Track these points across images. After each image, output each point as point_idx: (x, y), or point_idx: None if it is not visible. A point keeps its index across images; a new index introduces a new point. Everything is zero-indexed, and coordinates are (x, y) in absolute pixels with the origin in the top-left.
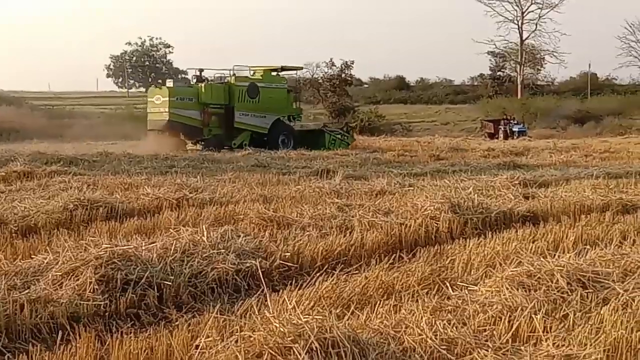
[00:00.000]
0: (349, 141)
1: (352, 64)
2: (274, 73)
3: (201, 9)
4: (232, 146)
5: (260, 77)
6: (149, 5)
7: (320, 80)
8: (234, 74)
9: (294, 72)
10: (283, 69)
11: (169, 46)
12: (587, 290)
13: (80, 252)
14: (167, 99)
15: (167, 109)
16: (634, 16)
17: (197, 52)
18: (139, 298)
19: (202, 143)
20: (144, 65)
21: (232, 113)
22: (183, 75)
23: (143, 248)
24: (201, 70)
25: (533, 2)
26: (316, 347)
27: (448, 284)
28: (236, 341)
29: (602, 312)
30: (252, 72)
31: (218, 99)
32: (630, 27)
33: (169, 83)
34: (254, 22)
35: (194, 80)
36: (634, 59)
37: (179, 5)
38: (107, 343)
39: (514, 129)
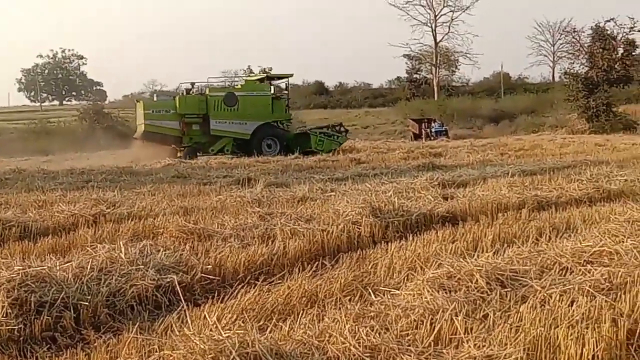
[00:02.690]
0: (340, 141)
1: (271, 70)
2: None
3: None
4: (210, 152)
5: (240, 87)
6: (60, 16)
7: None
8: (208, 86)
9: (285, 79)
10: (268, 78)
11: (82, 57)
12: (506, 289)
13: None
14: (142, 111)
15: (142, 121)
16: (543, 16)
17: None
18: (54, 320)
19: (182, 150)
20: (56, 78)
21: (208, 122)
22: (98, 87)
23: (58, 268)
24: (192, 84)
25: (445, 5)
26: None
27: (370, 290)
28: None
29: (521, 310)
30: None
31: (194, 109)
32: (540, 26)
33: (154, 97)
34: (172, 32)
35: (184, 93)
36: (544, 58)
37: (90, 15)
38: None
39: (433, 130)
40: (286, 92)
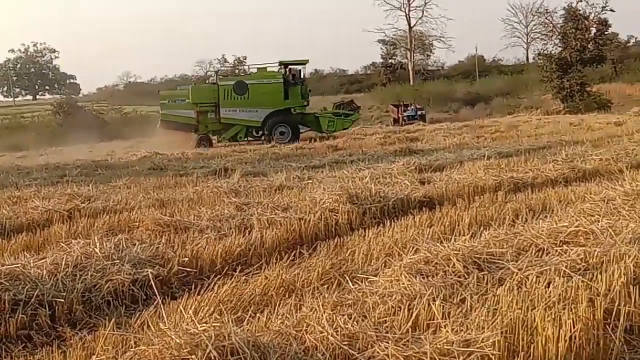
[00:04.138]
0: (353, 118)
1: (245, 59)
2: (276, 68)
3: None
4: (222, 140)
5: (251, 75)
6: (30, 9)
7: (211, 77)
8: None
9: (302, 65)
10: (282, 64)
11: (54, 51)
12: (483, 272)
13: None
14: (160, 102)
15: (160, 111)
16: None
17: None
18: (29, 318)
19: (198, 137)
20: (29, 72)
21: (219, 110)
22: (71, 81)
23: (32, 265)
24: (217, 72)
25: None
26: (214, 357)
27: (348, 278)
28: (131, 357)
29: (498, 293)
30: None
31: (206, 98)
32: (513, 8)
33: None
34: (145, 23)
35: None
36: (518, 40)
37: (60, 6)
38: None
39: (405, 114)
40: (302, 79)
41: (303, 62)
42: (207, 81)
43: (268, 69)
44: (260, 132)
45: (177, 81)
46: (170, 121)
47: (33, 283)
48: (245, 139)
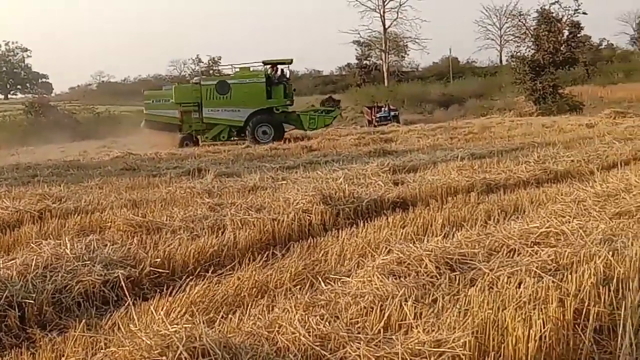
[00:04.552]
0: (333, 115)
1: (220, 59)
2: (265, 67)
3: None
4: (205, 139)
5: (234, 75)
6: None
7: (188, 77)
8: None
9: (285, 65)
10: (264, 63)
11: (26, 50)
12: (455, 273)
13: None
14: (144, 101)
15: (144, 110)
16: (490, 0)
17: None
18: None
19: (182, 137)
20: (0, 71)
21: (201, 110)
22: (43, 80)
23: (1, 266)
24: (203, 72)
25: None
26: (185, 358)
27: (321, 278)
28: (101, 359)
29: (469, 293)
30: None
31: (188, 98)
32: (487, 11)
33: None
34: (120, 23)
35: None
36: (492, 42)
37: (33, 6)
38: None
39: (378, 116)
40: (287, 78)
41: (287, 62)
42: (191, 81)
43: (251, 69)
44: (243, 133)
45: (150, 81)
46: (154, 121)
47: (2, 284)
48: (229, 138)
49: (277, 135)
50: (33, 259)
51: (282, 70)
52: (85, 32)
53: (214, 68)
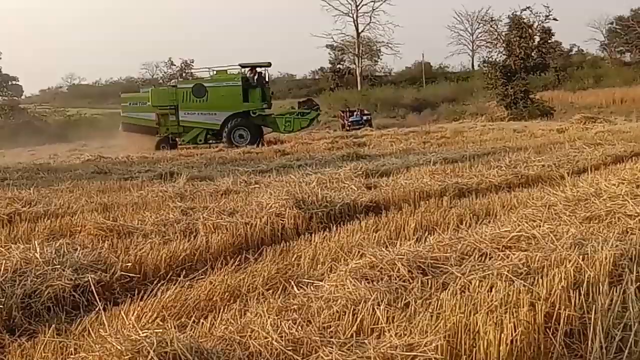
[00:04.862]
0: (310, 117)
1: (192, 62)
2: (243, 70)
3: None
4: (181, 142)
5: (210, 78)
6: None
7: (161, 80)
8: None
9: (263, 68)
10: (242, 67)
11: None
12: (427, 277)
13: None
14: (121, 104)
15: (121, 113)
16: (462, 6)
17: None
18: None
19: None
20: None
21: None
22: (13, 82)
23: None
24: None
25: None
26: None
27: (294, 283)
28: None
29: (441, 297)
30: (213, 73)
31: (165, 101)
32: (459, 16)
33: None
34: (90, 24)
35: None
36: (464, 47)
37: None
38: None
39: (350, 120)
40: (266, 81)
41: (265, 65)
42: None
43: (228, 72)
44: (220, 136)
45: (122, 84)
46: (131, 124)
47: None
48: (206, 142)
49: (255, 139)
50: (2, 264)
51: (260, 73)
52: (55, 33)
53: (187, 71)
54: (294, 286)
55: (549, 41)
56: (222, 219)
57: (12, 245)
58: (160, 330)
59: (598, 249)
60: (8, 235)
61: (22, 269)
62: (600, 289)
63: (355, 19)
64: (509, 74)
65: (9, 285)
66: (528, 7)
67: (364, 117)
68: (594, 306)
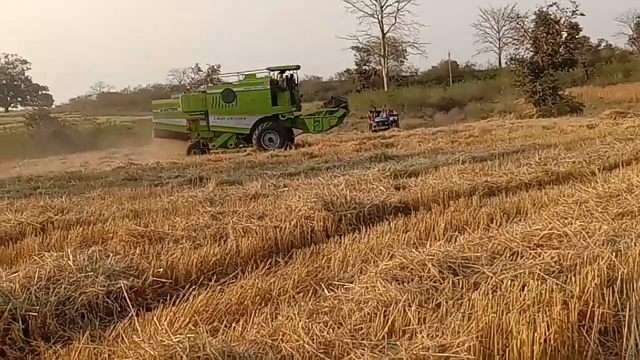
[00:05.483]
0: (338, 115)
1: (219, 67)
2: (271, 74)
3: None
4: (212, 147)
5: (239, 82)
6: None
7: (189, 87)
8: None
9: (292, 71)
10: (269, 69)
11: (25, 62)
12: (458, 277)
13: None
14: (152, 111)
15: (153, 120)
16: (487, 3)
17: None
18: (2, 332)
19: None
20: (0, 84)
21: (208, 118)
22: (43, 92)
23: (4, 279)
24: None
25: None
26: None
27: (324, 285)
28: None
29: (473, 297)
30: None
31: (195, 106)
32: (484, 14)
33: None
34: (117, 33)
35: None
36: (490, 45)
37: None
38: None
39: (376, 120)
40: (295, 84)
41: (294, 68)
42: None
43: (257, 76)
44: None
45: (150, 91)
46: (163, 130)
47: (5, 297)
48: (236, 146)
49: (284, 142)
50: (36, 271)
51: (290, 75)
52: (84, 42)
53: (214, 76)
54: (325, 289)
55: (577, 36)
56: (251, 222)
57: (45, 253)
58: (193, 335)
59: (631, 245)
60: (41, 243)
61: (56, 276)
62: (635, 286)
63: (380, 19)
64: (536, 71)
65: (43, 293)
66: (554, 3)
67: (390, 118)
68: (628, 303)
